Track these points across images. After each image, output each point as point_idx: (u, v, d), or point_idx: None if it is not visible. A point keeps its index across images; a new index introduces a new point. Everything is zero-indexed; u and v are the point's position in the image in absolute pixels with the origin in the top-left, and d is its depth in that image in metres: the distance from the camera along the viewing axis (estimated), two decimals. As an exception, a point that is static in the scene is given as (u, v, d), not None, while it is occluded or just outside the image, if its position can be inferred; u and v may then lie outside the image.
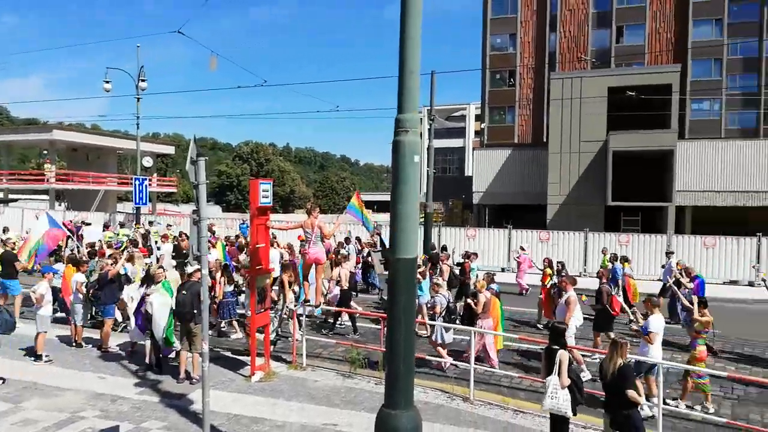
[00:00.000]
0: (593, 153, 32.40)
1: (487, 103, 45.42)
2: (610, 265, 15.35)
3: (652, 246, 22.57)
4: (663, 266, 16.15)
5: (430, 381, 9.45)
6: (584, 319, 11.02)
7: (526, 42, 44.35)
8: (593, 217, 31.11)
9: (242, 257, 14.46)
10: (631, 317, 11.91)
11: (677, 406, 8.38)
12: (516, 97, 44.55)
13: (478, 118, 54.55)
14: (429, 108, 24.66)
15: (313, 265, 10.79)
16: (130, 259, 12.52)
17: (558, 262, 14.43)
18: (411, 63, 5.35)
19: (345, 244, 17.54)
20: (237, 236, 18.59)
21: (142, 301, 9.76)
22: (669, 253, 17.63)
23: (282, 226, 12.66)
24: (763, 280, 14.43)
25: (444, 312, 10.53)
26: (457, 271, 14.86)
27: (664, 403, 7.58)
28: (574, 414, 6.44)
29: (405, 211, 5.39)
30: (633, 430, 6.10)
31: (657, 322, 8.44)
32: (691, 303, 9.10)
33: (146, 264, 13.36)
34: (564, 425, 6.51)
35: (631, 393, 6.02)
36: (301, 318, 10.50)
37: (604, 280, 11.60)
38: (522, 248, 19.39)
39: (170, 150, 53.70)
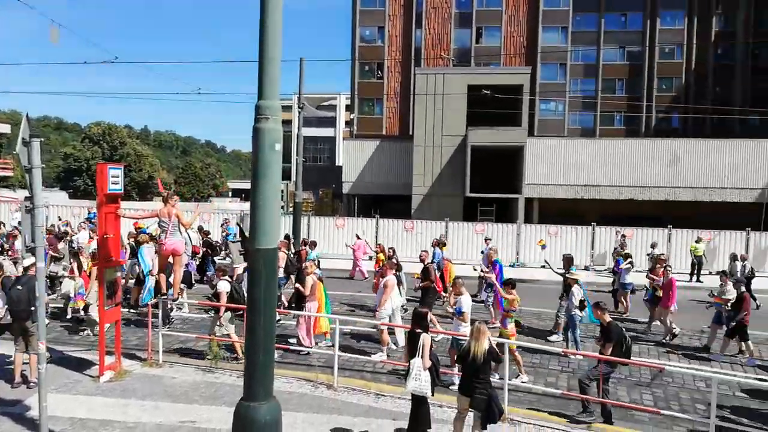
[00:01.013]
0: (454, 147, 34.14)
1: (356, 94, 45.89)
2: (431, 250, 16.51)
3: (505, 234, 24.45)
4: (482, 252, 17.64)
5: (294, 371, 9.45)
6: (408, 300, 11.69)
7: (393, 36, 45.37)
8: (454, 207, 32.85)
9: (61, 246, 13.57)
10: (446, 298, 12.98)
11: (523, 382, 9.18)
12: (384, 90, 45.49)
13: (349, 108, 54.92)
14: (298, 95, 24.36)
15: (171, 257, 10.24)
16: None
17: (389, 248, 15.53)
18: (272, 47, 5.22)
19: None
20: (58, 226, 17.39)
21: None
22: (487, 239, 19.79)
23: (135, 214, 11.83)
24: (546, 261, 16.43)
25: None
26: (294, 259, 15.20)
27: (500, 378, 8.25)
28: (432, 394, 6.81)
29: (265, 199, 5.28)
30: (494, 407, 6.56)
31: (467, 301, 9.19)
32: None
33: None
34: (424, 405, 6.83)
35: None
36: (157, 312, 9.94)
37: (428, 261, 12.80)
38: (357, 236, 20.85)
39: (6, 128, 47.88)
